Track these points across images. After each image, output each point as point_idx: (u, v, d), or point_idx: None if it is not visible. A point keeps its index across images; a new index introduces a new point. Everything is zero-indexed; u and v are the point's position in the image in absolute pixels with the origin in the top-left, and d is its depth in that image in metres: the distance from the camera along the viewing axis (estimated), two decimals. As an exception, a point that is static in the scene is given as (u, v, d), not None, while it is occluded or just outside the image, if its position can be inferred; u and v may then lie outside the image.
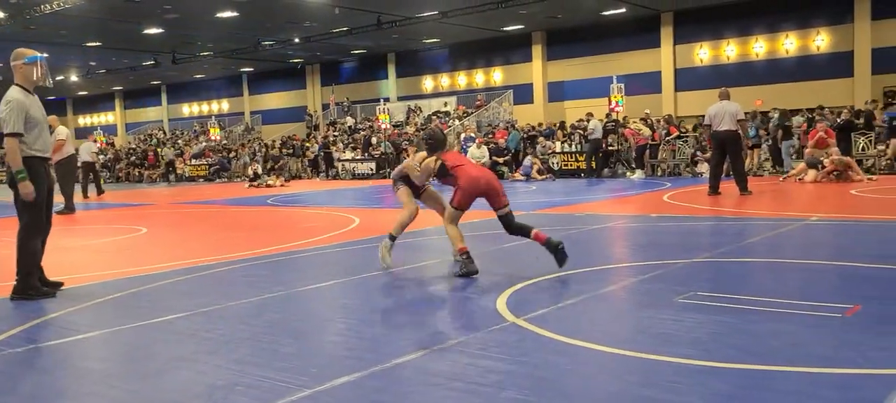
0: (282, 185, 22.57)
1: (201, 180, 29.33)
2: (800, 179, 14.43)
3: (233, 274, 6.72)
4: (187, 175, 30.31)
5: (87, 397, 3.46)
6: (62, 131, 14.68)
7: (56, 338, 4.56)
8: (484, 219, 10.54)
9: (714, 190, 12.34)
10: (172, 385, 3.56)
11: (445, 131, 20.89)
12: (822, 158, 14.40)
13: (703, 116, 13.35)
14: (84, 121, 47.31)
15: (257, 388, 3.39)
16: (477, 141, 21.78)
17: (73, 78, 37.55)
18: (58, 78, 37.11)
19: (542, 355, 3.74)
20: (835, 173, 14.08)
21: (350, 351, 3.96)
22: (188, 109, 42.22)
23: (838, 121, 17.68)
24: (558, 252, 5.75)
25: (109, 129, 43.35)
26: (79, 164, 17.70)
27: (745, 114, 18.51)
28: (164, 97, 43.08)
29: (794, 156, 17.08)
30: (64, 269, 6.85)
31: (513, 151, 21.60)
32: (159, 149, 33.71)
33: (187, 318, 4.88)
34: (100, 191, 20.22)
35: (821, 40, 23.46)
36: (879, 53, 22.27)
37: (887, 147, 16.46)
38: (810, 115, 18.72)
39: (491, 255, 7.14)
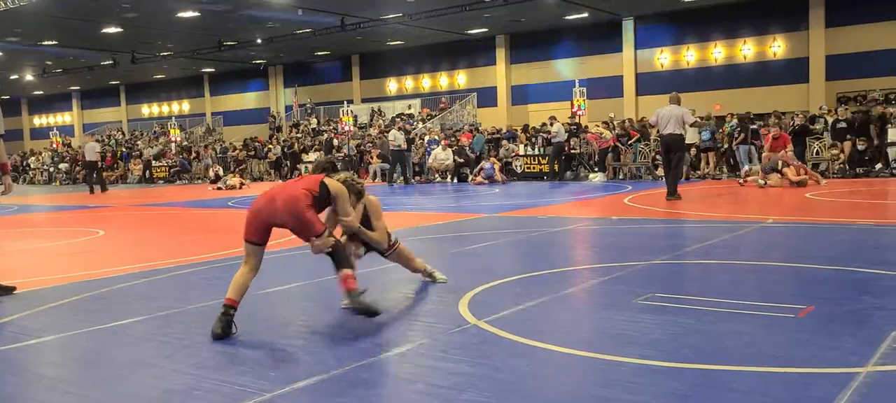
0: (241, 187, 22.34)
1: (161, 182, 28.89)
2: (762, 185, 14.40)
3: (192, 277, 6.63)
4: (147, 177, 29.84)
5: (40, 403, 3.38)
6: None
7: (8, 343, 4.45)
8: (448, 221, 10.57)
9: (672, 194, 12.43)
10: (128, 390, 3.50)
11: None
12: (778, 164, 14.54)
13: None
14: (40, 121, 46.23)
15: (215, 392, 3.35)
16: (442, 143, 21.81)
17: (29, 77, 36.64)
18: (12, 77, 36.20)
19: (502, 357, 3.76)
20: (797, 181, 14.09)
21: (310, 355, 3.94)
22: (148, 110, 41.51)
23: (794, 125, 18.09)
24: (362, 308, 4.43)
25: (66, 130, 42.39)
26: (86, 163, 20.44)
27: (701, 118, 18.94)
28: (122, 97, 42.30)
29: (753, 160, 17.38)
30: (18, 272, 6.69)
31: (477, 154, 21.66)
32: (118, 151, 33.10)
33: (144, 322, 4.80)
34: (103, 189, 21.82)
35: (777, 46, 23.98)
36: (833, 60, 22.85)
37: (841, 150, 16.88)
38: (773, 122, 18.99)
39: (454, 258, 7.15)
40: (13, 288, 5.89)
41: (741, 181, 15.20)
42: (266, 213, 4.51)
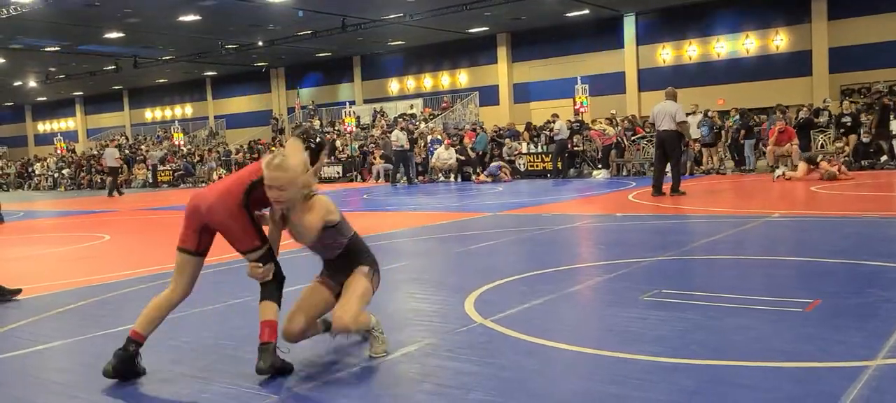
0: None
1: (165, 186, 28.94)
2: (780, 177, 14.07)
3: (197, 281, 6.62)
4: (151, 181, 29.93)
5: (48, 409, 3.39)
6: None
7: (16, 349, 4.46)
8: (452, 221, 10.57)
9: (657, 190, 12.31)
10: (135, 395, 3.50)
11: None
12: (817, 156, 14.04)
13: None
14: (44, 127, 46.32)
15: (224, 395, 3.35)
16: (445, 143, 21.81)
17: (32, 84, 36.72)
18: (16, 84, 36.28)
19: (509, 356, 3.76)
20: (826, 174, 13.79)
21: (317, 356, 3.94)
22: (151, 114, 41.57)
23: (798, 118, 18.05)
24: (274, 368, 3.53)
25: (70, 136, 42.48)
26: (105, 169, 22.67)
27: (701, 113, 18.89)
28: (126, 102, 42.37)
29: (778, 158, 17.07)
30: (24, 278, 6.70)
31: (480, 153, 21.66)
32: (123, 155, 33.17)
33: (151, 326, 4.79)
34: (120, 193, 23.28)
35: (780, 40, 23.91)
36: (836, 53, 22.79)
37: (846, 143, 16.83)
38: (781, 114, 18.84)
39: (459, 257, 7.15)
40: (18, 291, 5.91)
41: (774, 179, 14.34)
42: (201, 211, 3.65)
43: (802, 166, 14.15)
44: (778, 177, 14.18)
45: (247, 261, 3.63)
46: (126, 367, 3.58)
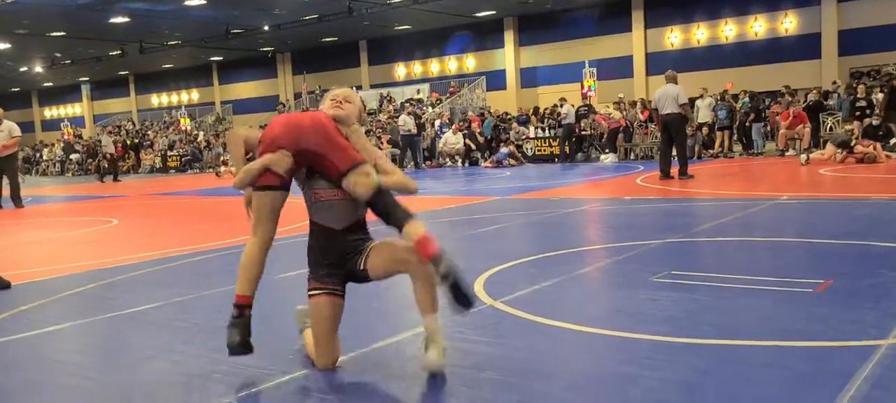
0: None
1: (173, 171, 29.01)
2: (814, 161, 13.66)
3: (206, 264, 6.65)
4: (157, 166, 29.99)
5: (60, 389, 3.41)
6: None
7: (27, 330, 4.48)
8: (460, 205, 10.56)
9: (665, 174, 12.27)
10: (148, 375, 3.52)
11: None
12: (852, 139, 13.76)
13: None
14: (50, 113, 46.44)
15: (236, 375, 3.36)
16: (453, 127, 21.76)
17: (38, 69, 36.77)
18: (21, 69, 36.32)
19: (520, 336, 3.76)
20: (862, 157, 13.53)
21: (328, 337, 3.94)
22: (157, 100, 41.61)
23: (807, 101, 17.93)
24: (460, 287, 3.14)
25: (77, 121, 42.59)
26: (103, 155, 23.84)
27: (722, 97, 18.77)
28: (132, 88, 42.41)
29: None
30: (34, 262, 6.73)
31: (487, 138, 21.61)
32: (128, 141, 33.21)
33: (161, 308, 4.82)
34: (115, 178, 24.07)
35: (789, 22, 23.73)
36: (845, 35, 22.60)
37: (857, 126, 16.69)
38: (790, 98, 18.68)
39: (468, 240, 7.14)
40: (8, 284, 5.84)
41: (803, 163, 13.86)
42: (295, 135, 3.27)
43: (830, 148, 13.96)
44: (806, 161, 13.88)
45: (348, 182, 3.20)
46: (247, 336, 3.30)
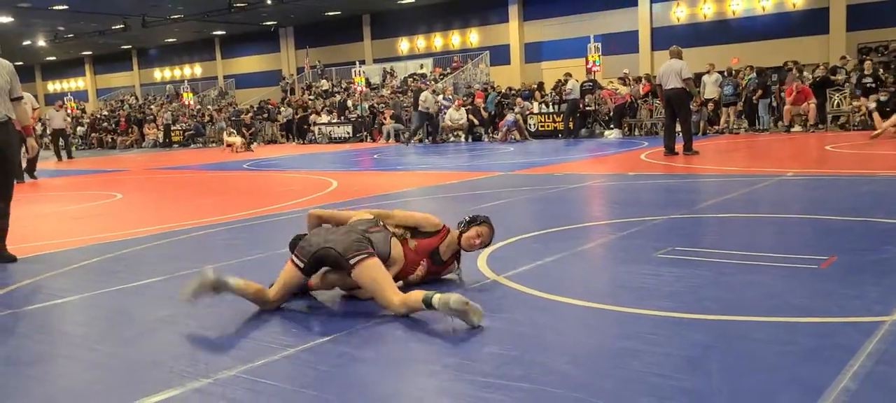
0: (248, 148, 22.44)
1: (176, 146, 29.01)
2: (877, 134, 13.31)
3: (210, 239, 6.67)
4: (161, 141, 30.00)
5: (67, 360, 3.43)
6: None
7: (34, 303, 4.51)
8: (464, 180, 10.55)
9: (669, 150, 12.29)
10: (153, 347, 3.54)
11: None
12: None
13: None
14: (54, 87, 46.37)
15: (241, 348, 3.38)
16: (456, 103, 21.68)
17: (41, 43, 36.66)
18: (25, 43, 36.21)
19: (523, 311, 3.77)
20: None
21: (333, 312, 3.96)
22: (160, 74, 41.51)
23: (815, 76, 17.81)
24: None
25: (80, 95, 42.52)
26: (49, 131, 21.20)
27: (722, 73, 18.66)
28: (135, 62, 42.29)
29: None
30: (39, 235, 6.76)
31: (491, 113, 21.54)
32: (131, 115, 33.20)
33: (166, 282, 4.84)
34: (69, 156, 22.47)
35: (796, -3, 23.54)
36: (853, 10, 22.39)
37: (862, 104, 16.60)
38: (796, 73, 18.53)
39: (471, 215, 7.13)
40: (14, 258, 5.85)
41: (871, 137, 13.48)
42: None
43: (877, 118, 13.74)
44: (876, 135, 13.39)
45: None
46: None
